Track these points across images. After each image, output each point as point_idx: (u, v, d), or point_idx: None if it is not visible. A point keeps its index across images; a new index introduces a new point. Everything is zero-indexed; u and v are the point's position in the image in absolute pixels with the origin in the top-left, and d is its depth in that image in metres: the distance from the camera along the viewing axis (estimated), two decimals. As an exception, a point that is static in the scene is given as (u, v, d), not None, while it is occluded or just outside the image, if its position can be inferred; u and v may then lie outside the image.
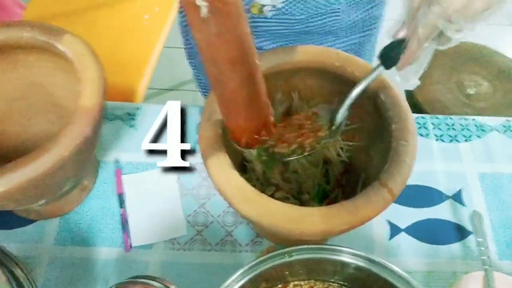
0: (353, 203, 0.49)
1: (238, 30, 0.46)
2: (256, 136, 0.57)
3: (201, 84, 1.01)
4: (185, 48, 0.95)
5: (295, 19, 0.74)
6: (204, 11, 0.42)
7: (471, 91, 1.20)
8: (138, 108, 0.82)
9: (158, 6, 1.44)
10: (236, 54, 0.47)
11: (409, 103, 1.23)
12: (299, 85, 0.66)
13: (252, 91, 0.52)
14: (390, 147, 0.54)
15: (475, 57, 1.26)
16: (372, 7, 0.79)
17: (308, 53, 0.62)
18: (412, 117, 0.56)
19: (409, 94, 1.23)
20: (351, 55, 0.62)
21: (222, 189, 0.51)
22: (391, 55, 0.50)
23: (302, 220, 0.48)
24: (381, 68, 0.52)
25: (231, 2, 0.44)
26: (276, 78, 0.63)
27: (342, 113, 0.56)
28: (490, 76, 1.23)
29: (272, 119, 0.58)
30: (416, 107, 1.20)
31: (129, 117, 0.81)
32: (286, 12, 0.72)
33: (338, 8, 0.74)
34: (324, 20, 0.76)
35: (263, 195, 0.50)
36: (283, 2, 0.70)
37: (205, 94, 1.03)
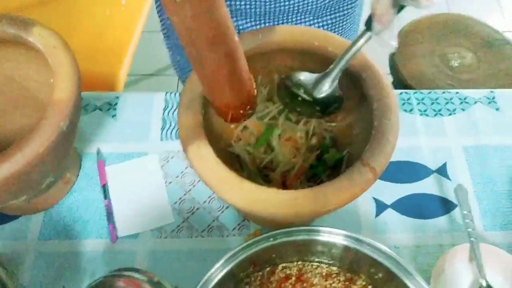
0: (336, 184, 0.49)
1: (214, 11, 0.45)
2: (241, 111, 0.57)
3: (178, 66, 0.99)
4: (161, 29, 0.93)
5: None
6: None
7: (455, 63, 1.19)
8: (117, 97, 0.80)
9: (135, -9, 1.41)
10: (213, 35, 0.46)
11: (394, 79, 1.24)
12: (280, 67, 0.65)
13: (232, 69, 0.51)
14: (372, 125, 0.53)
15: (458, 29, 1.25)
16: None
17: (287, 33, 0.61)
18: (394, 95, 0.55)
19: (394, 70, 1.22)
20: (330, 33, 0.61)
21: (205, 177, 0.50)
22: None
23: (287, 204, 0.48)
24: (368, 33, 0.50)
25: None
26: (256, 60, 0.61)
27: (331, 80, 0.55)
28: (474, 47, 1.23)
29: (255, 92, 0.58)
30: (401, 82, 1.19)
31: (109, 107, 0.79)
32: None
33: None
34: None
35: (245, 180, 0.49)
36: None
37: (181, 76, 1.01)
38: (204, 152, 0.51)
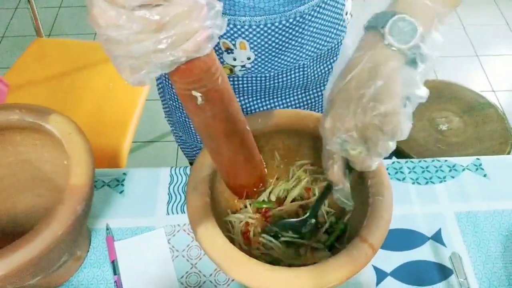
0: (338, 261, 0.52)
1: (229, 109, 0.52)
2: (254, 189, 0.65)
3: (179, 140, 1.04)
4: (163, 107, 0.99)
5: (264, 77, 0.79)
6: (199, 100, 0.47)
7: (443, 127, 1.26)
8: (124, 174, 0.84)
9: (138, 65, 1.48)
10: (229, 128, 0.53)
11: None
12: (279, 145, 0.70)
13: (246, 155, 0.58)
14: (367, 202, 0.57)
15: (444, 95, 1.33)
16: (337, 59, 0.85)
17: (284, 116, 0.67)
18: (386, 172, 0.60)
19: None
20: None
21: (212, 256, 0.53)
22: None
23: (291, 282, 0.51)
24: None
25: (222, 88, 0.49)
26: (258, 140, 0.66)
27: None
28: (460, 112, 1.30)
29: (265, 172, 0.66)
30: (393, 146, 1.24)
31: (117, 183, 0.83)
32: (255, 71, 0.77)
33: (304, 64, 0.79)
34: (292, 76, 0.81)
35: (252, 260, 0.53)
36: (251, 62, 0.74)
37: (183, 149, 1.06)
38: (212, 232, 0.55)
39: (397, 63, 0.46)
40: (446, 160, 0.86)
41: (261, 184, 0.66)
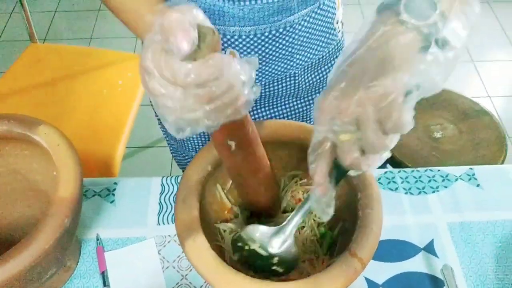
0: (327, 276, 0.52)
1: (255, 153, 0.58)
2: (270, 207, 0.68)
3: (172, 147, 1.04)
4: (155, 115, 0.98)
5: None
6: (233, 147, 0.53)
7: (437, 134, 1.25)
8: (115, 183, 0.84)
9: (131, 72, 1.49)
10: (256, 167, 0.60)
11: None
12: (270, 155, 0.70)
13: (267, 185, 0.64)
14: (357, 214, 0.57)
15: (438, 101, 1.33)
16: (328, 69, 0.84)
17: (274, 127, 0.66)
18: (376, 185, 0.59)
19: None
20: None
21: (201, 271, 0.53)
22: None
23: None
24: (309, 203, 0.55)
25: (250, 137, 0.55)
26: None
27: (285, 236, 0.59)
28: (454, 119, 1.29)
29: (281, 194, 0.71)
30: (387, 153, 1.24)
31: (108, 193, 0.82)
32: None
33: (295, 73, 0.79)
34: (283, 85, 0.80)
35: (240, 274, 0.52)
36: None
37: (175, 156, 1.06)
38: (200, 246, 0.54)
39: (411, 42, 0.40)
40: (439, 170, 0.85)
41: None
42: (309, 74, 0.82)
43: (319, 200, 0.49)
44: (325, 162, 0.47)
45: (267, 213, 0.69)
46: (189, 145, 0.94)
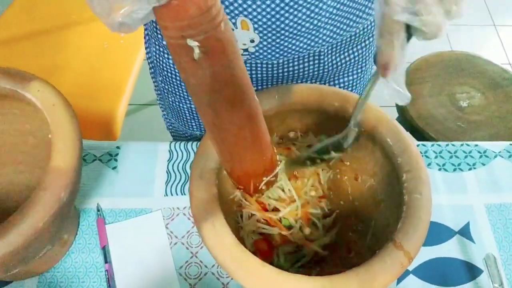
0: (367, 271, 0.44)
1: (233, 68, 0.42)
2: (264, 178, 0.54)
3: (171, 127, 0.95)
4: (155, 89, 0.89)
5: (271, 64, 0.67)
6: (196, 52, 0.38)
7: (464, 103, 1.16)
8: (118, 147, 0.75)
9: (134, 23, 1.37)
10: (233, 94, 0.43)
11: (401, 120, 1.21)
12: (295, 124, 0.61)
13: (254, 132, 0.48)
14: (402, 199, 0.49)
15: (465, 68, 1.23)
16: (358, 50, 0.73)
17: (304, 93, 0.57)
18: (425, 165, 0.51)
19: (401, 110, 1.19)
20: (351, 93, 0.57)
21: (219, 258, 0.46)
22: None
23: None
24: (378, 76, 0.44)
25: (224, 38, 0.39)
26: (271, 121, 0.57)
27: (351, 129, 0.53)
28: (482, 87, 1.20)
29: (277, 158, 0.55)
30: (408, 122, 1.16)
31: (109, 158, 0.74)
32: (260, 56, 0.64)
33: (320, 51, 0.68)
34: (305, 65, 0.69)
35: (266, 265, 0.45)
36: (255, 46, 0.62)
37: (175, 137, 0.97)
38: (220, 231, 0.47)
39: None
40: (476, 145, 0.77)
41: (271, 174, 0.54)
42: (337, 55, 0.71)
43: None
44: (401, 44, 0.41)
45: (258, 182, 0.55)
46: (194, 124, 0.85)
